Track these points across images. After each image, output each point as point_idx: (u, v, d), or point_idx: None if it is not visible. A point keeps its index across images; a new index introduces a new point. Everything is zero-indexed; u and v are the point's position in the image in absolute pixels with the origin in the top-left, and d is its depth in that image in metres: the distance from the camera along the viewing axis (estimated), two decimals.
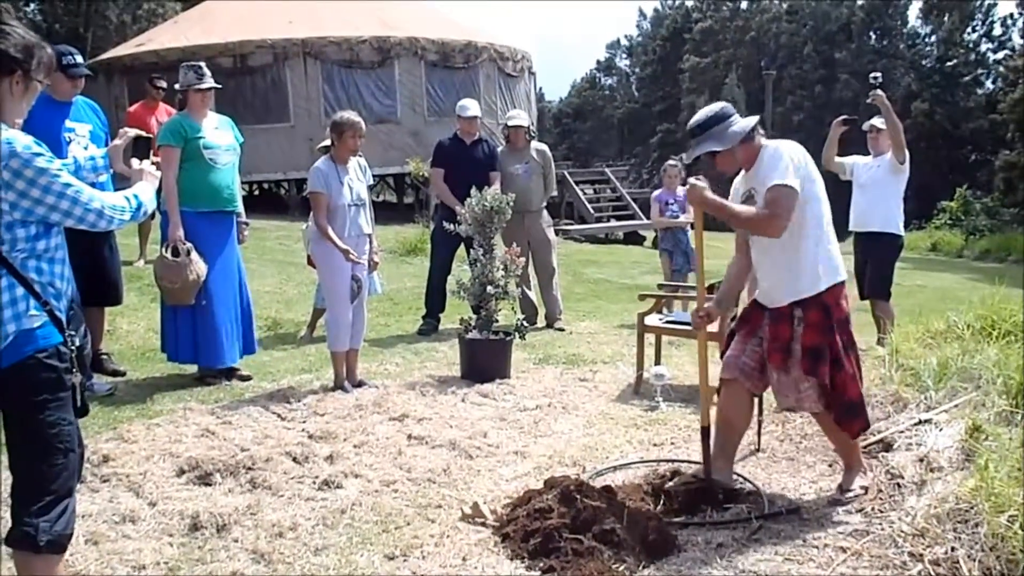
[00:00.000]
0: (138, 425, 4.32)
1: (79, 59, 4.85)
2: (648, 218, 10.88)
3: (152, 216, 8.10)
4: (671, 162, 8.07)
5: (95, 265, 4.88)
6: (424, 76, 15.46)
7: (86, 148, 4.74)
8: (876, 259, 6.17)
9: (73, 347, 2.30)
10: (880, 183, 5.99)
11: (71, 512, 2.35)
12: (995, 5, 41.13)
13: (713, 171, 3.71)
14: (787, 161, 3.27)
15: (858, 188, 6.16)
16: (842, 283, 3.41)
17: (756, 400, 4.22)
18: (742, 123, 3.41)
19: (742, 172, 3.56)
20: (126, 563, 2.92)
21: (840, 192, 6.31)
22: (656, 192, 7.99)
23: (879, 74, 6.08)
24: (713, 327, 5.23)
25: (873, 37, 42.27)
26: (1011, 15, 40.63)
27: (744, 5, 47.66)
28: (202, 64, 5.17)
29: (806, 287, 3.32)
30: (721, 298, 3.70)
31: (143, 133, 2.89)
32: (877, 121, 6.08)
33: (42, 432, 2.27)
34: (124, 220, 2.45)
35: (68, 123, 4.79)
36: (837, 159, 6.22)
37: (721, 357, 3.70)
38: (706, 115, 3.47)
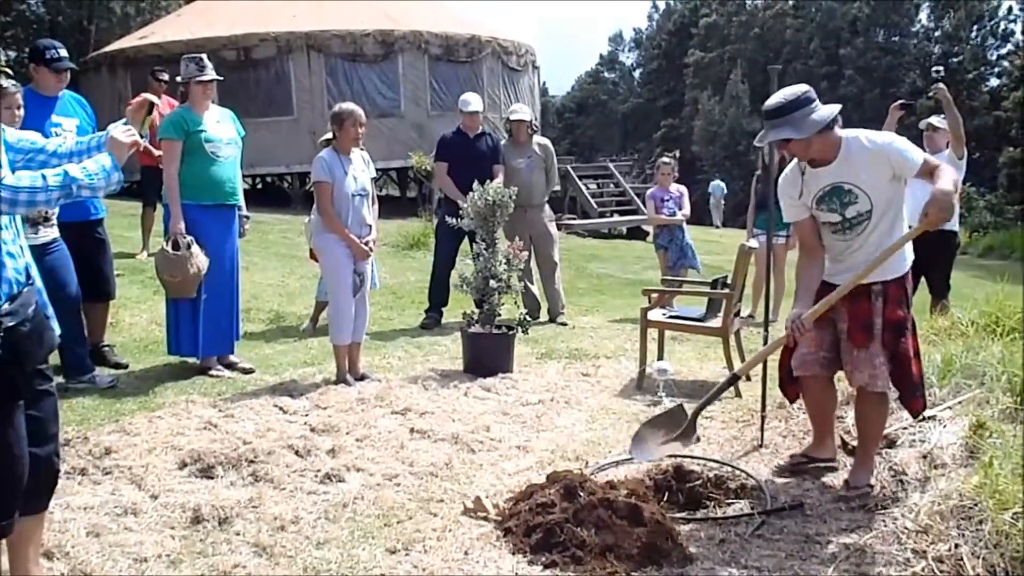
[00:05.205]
0: (140, 418, 4.32)
1: (63, 53, 4.82)
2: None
3: (154, 208, 8.20)
4: (664, 159, 8.11)
5: (83, 259, 4.87)
6: (428, 70, 15.43)
7: None
8: (939, 259, 6.08)
9: None
10: None
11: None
12: (999, 6, 41.02)
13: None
14: (909, 144, 3.29)
15: (917, 185, 6.12)
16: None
17: (761, 396, 4.24)
18: (823, 111, 3.20)
19: (801, 168, 3.38)
20: (128, 555, 2.92)
21: None
22: (650, 189, 8.00)
23: (941, 68, 6.14)
24: (716, 322, 5.25)
25: (880, 33, 42.11)
26: (1010, 8, 40.52)
27: (749, 1, 47.49)
28: (203, 56, 5.16)
29: (893, 269, 3.34)
30: (804, 302, 3.43)
31: (152, 98, 2.80)
32: (934, 119, 6.09)
33: None
34: (40, 201, 2.27)
35: (54, 118, 4.76)
36: None
37: (789, 352, 3.66)
38: (785, 98, 3.20)
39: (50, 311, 2.48)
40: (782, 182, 3.52)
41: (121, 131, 2.57)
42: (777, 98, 3.25)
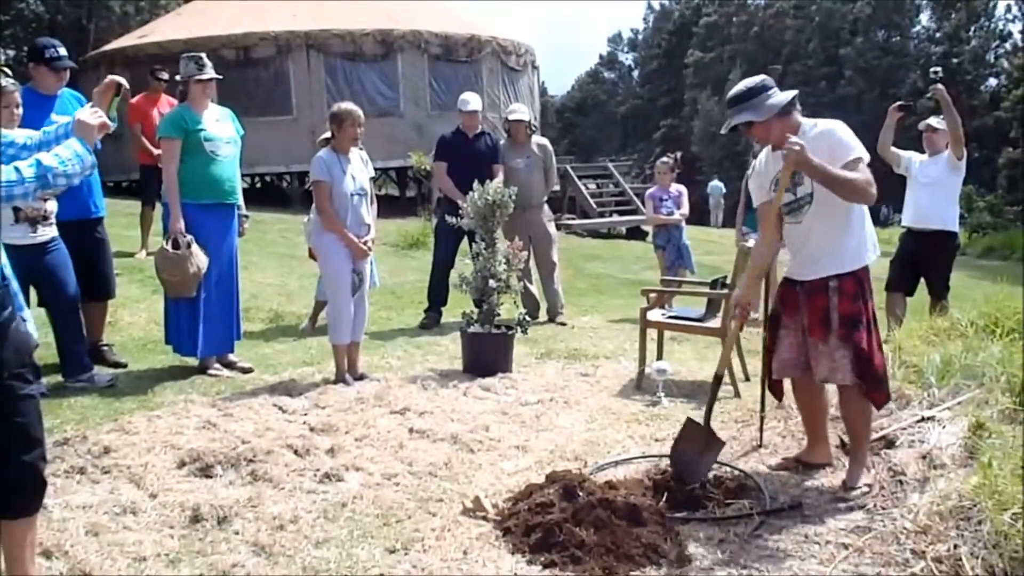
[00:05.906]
0: (139, 417, 4.32)
1: (63, 51, 4.83)
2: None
3: (153, 207, 8.19)
4: (664, 159, 8.14)
5: (82, 258, 4.87)
6: (427, 69, 15.42)
7: None
8: (939, 260, 6.14)
9: None
10: (940, 182, 5.96)
11: None
12: (995, 5, 41.04)
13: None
14: (852, 135, 3.38)
15: (918, 186, 6.12)
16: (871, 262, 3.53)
17: (760, 396, 4.24)
18: (780, 96, 3.45)
19: (767, 152, 3.61)
20: (127, 555, 2.92)
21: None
22: (650, 189, 8.03)
23: (939, 68, 6.15)
24: (715, 323, 5.24)
25: (880, 33, 42.11)
26: (1008, 7, 40.56)
27: (750, 1, 47.47)
28: (203, 55, 5.16)
29: (849, 262, 3.42)
30: (753, 275, 3.69)
31: (120, 80, 2.82)
32: (933, 120, 6.11)
33: None
34: (17, 194, 2.24)
35: (54, 116, 4.74)
36: (893, 149, 6.21)
37: (767, 350, 3.73)
38: (746, 86, 3.50)
39: (27, 313, 2.44)
40: (755, 166, 3.74)
41: (88, 114, 2.53)
42: (739, 87, 3.53)
